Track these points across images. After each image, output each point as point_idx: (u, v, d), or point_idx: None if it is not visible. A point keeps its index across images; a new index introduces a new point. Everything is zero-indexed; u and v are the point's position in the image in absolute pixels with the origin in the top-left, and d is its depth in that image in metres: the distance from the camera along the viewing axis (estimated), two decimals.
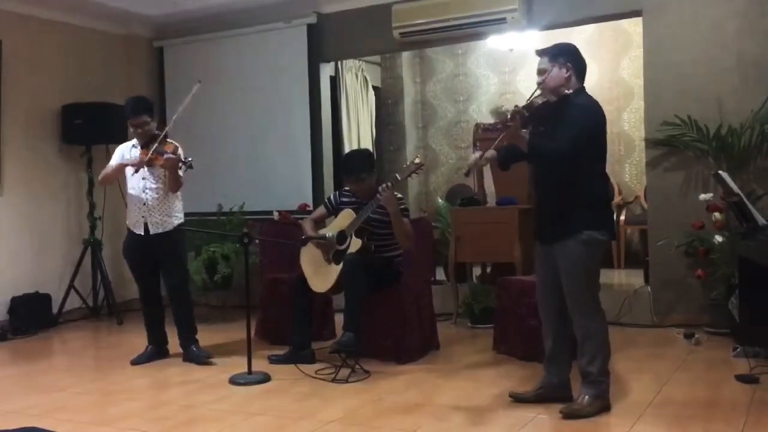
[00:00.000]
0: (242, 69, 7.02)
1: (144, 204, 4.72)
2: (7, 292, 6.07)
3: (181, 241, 4.90)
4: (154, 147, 4.59)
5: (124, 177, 4.80)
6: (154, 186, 4.72)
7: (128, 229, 4.85)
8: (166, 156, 4.55)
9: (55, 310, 6.35)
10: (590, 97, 3.49)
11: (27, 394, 4.18)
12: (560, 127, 3.34)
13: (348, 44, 6.79)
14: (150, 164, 4.65)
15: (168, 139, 4.73)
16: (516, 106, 3.57)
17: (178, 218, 4.84)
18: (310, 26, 6.73)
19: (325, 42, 6.78)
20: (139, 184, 4.74)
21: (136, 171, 4.68)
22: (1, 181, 6.18)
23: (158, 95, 7.31)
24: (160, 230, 4.74)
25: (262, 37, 6.94)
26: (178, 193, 4.82)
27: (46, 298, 6.30)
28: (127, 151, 4.83)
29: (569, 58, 3.46)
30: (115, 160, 4.84)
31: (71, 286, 6.46)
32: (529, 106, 3.50)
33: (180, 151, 4.67)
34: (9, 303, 6.05)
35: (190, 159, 4.56)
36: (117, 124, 6.53)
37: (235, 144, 7.07)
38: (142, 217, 4.73)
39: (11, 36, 6.20)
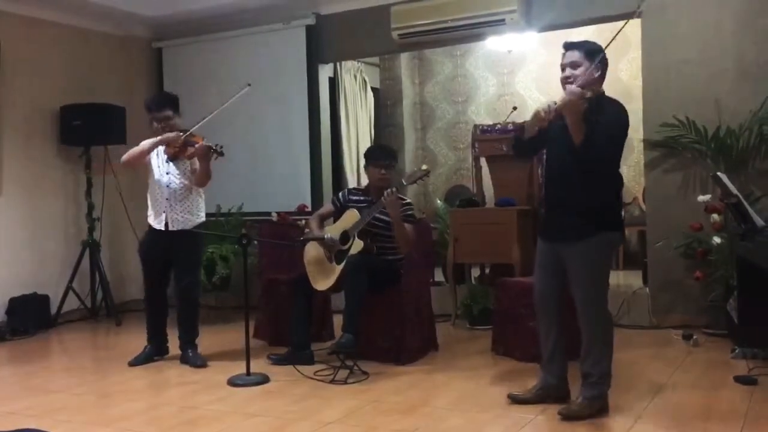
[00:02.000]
0: (241, 70, 6.99)
1: (167, 199, 4.66)
2: (6, 292, 6.06)
3: (200, 243, 4.86)
4: (183, 137, 4.55)
5: (150, 171, 4.72)
6: (177, 181, 4.67)
7: (149, 226, 4.78)
8: (196, 146, 4.52)
9: (53, 311, 6.34)
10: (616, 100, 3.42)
11: (25, 395, 4.18)
12: (598, 126, 3.21)
13: (347, 45, 6.79)
14: (175, 158, 4.62)
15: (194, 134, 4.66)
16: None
17: (200, 217, 4.77)
18: (308, 27, 6.73)
19: (323, 43, 6.78)
20: (162, 178, 4.68)
21: (167, 153, 4.61)
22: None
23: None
24: (180, 227, 4.67)
25: (260, 38, 6.94)
26: (201, 190, 4.76)
27: (44, 299, 6.30)
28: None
29: (602, 59, 3.33)
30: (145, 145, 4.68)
31: (69, 287, 6.44)
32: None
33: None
34: (7, 304, 6.04)
35: (220, 146, 4.50)
36: (115, 125, 6.55)
37: (234, 145, 7.01)
38: (163, 212, 4.67)
39: (10, 36, 6.19)
